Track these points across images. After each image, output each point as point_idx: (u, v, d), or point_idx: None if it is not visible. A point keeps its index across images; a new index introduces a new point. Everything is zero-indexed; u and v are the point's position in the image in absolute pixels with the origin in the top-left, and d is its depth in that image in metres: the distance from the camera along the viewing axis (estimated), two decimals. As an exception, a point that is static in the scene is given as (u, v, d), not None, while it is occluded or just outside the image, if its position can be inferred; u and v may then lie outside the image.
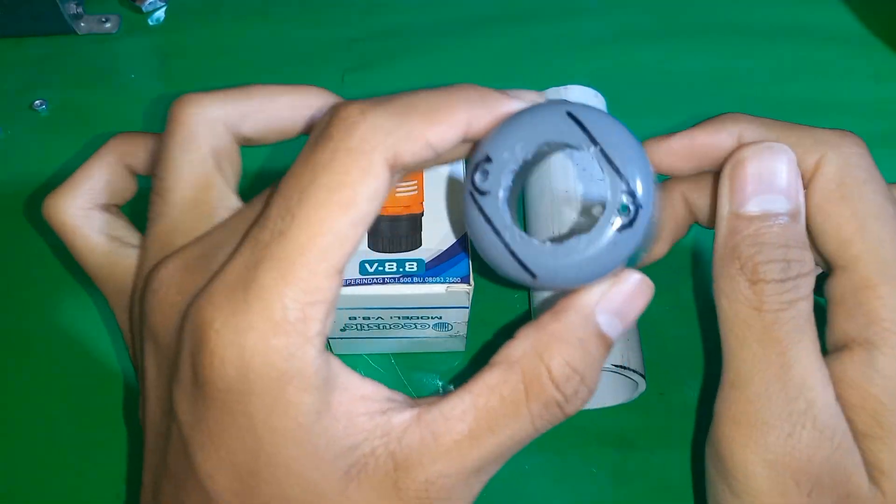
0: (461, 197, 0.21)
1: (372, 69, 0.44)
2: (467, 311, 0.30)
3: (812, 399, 0.21)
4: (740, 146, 0.23)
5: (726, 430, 0.22)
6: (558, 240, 0.19)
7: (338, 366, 0.19)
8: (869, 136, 0.23)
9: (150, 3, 0.45)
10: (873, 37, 0.45)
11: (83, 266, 0.24)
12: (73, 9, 0.45)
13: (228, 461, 0.18)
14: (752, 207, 0.22)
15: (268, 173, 0.40)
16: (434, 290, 0.28)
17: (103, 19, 0.45)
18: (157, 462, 0.21)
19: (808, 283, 0.22)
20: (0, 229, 0.39)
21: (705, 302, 0.36)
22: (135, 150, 0.24)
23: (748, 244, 0.22)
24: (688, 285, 0.36)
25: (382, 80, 0.44)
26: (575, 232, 0.19)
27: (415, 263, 0.28)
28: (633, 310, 0.21)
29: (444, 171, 0.30)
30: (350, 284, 0.28)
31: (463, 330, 0.32)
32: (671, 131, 0.24)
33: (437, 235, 0.29)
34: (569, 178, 0.33)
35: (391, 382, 0.34)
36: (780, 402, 0.21)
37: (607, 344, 0.20)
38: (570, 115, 0.19)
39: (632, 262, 0.20)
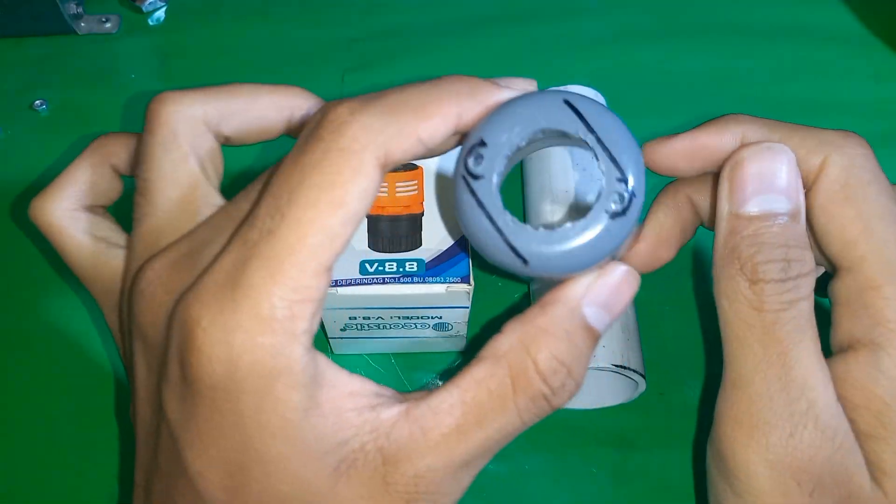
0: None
1: (372, 69, 0.44)
2: (467, 310, 0.30)
3: (813, 399, 0.21)
4: (740, 146, 0.23)
5: (728, 430, 0.22)
6: (551, 226, 0.19)
7: (325, 363, 0.19)
8: (869, 136, 0.23)
9: (150, 3, 0.45)
10: (873, 37, 0.45)
11: (71, 267, 0.24)
12: (73, 9, 0.45)
13: (218, 459, 0.18)
14: (752, 207, 0.22)
15: (253, 174, 0.39)
16: (434, 290, 0.28)
17: (103, 19, 0.45)
18: (148, 460, 0.21)
19: (809, 283, 0.21)
20: None
21: (705, 302, 0.36)
22: (119, 151, 0.24)
23: (748, 244, 0.22)
24: (688, 285, 0.36)
25: (382, 80, 0.43)
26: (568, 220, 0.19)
27: (415, 263, 0.28)
28: (620, 302, 0.21)
29: (443, 172, 0.30)
30: (350, 284, 0.28)
31: (463, 330, 0.32)
32: (671, 131, 0.24)
33: (437, 235, 0.29)
34: (569, 179, 0.33)
35: (391, 382, 0.34)
36: (781, 403, 0.21)
37: (594, 336, 0.20)
38: (567, 103, 0.19)
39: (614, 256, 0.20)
